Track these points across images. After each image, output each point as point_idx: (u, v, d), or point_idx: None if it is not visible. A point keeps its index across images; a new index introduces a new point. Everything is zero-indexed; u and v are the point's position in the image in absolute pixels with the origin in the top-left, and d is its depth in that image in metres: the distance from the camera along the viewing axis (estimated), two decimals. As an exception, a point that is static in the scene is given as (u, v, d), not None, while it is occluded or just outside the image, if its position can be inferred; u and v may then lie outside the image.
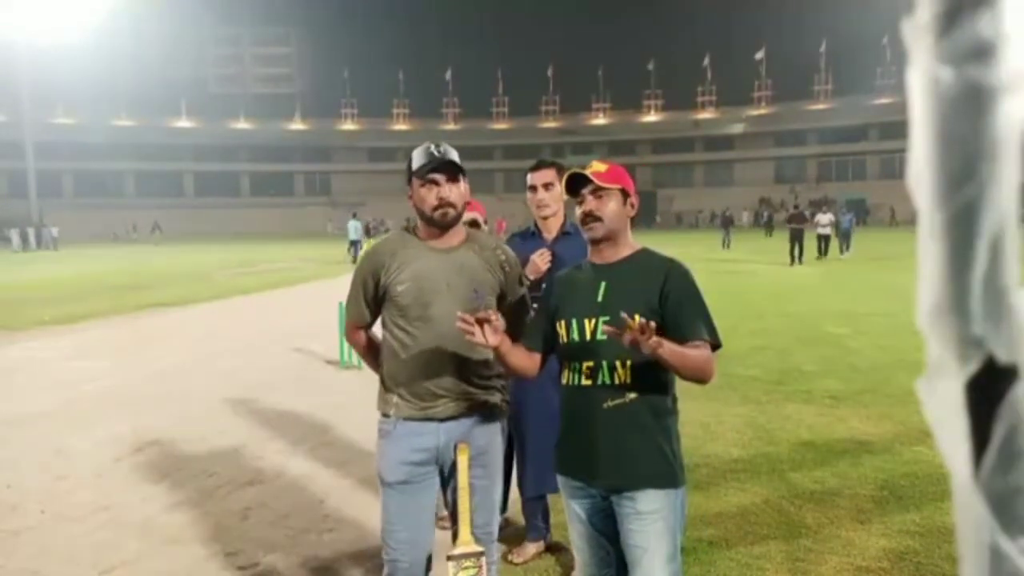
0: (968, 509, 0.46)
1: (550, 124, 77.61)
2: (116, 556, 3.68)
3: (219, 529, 4.00)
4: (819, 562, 3.36)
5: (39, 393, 7.13)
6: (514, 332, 2.34)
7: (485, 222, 3.87)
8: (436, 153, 2.41)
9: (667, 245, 2.44)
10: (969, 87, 0.43)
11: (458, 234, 2.52)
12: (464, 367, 2.45)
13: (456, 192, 2.43)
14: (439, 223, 2.44)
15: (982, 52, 0.43)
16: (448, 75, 77.17)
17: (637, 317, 1.93)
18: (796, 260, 20.42)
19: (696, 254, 23.75)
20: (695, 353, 2.05)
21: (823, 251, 22.10)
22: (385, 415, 2.51)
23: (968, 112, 0.44)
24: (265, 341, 9.76)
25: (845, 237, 22.76)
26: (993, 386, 0.45)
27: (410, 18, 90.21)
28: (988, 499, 0.45)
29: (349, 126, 77.02)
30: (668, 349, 1.94)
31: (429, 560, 2.54)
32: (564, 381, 2.26)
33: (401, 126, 77.23)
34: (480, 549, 2.44)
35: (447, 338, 2.40)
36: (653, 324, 1.90)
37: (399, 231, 2.61)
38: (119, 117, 69.67)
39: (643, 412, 2.13)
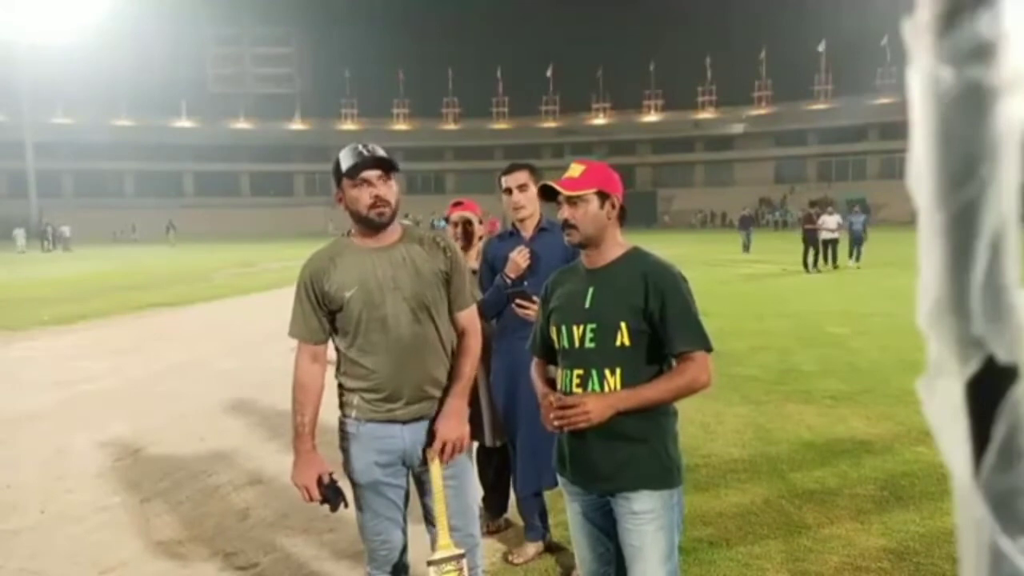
0: (968, 509, 0.46)
1: (550, 124, 77.57)
2: (116, 556, 3.69)
3: (219, 529, 4.01)
4: (819, 562, 3.36)
5: (39, 393, 7.13)
6: (462, 302, 2.54)
7: (480, 222, 3.86)
8: (365, 152, 2.38)
9: (673, 247, 2.42)
10: (969, 87, 0.43)
11: (395, 231, 2.50)
12: (421, 367, 2.44)
13: (390, 190, 2.41)
14: (375, 222, 2.40)
15: (982, 52, 0.43)
16: (448, 75, 77.20)
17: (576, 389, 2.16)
18: (811, 267, 18.52)
19: (710, 257, 23.70)
20: (666, 385, 2.12)
21: (830, 258, 19.18)
22: (346, 416, 2.51)
23: (968, 112, 0.44)
24: (265, 341, 9.75)
25: (857, 242, 19.72)
26: (993, 386, 0.45)
27: (410, 18, 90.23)
28: (988, 499, 0.45)
29: (349, 126, 76.95)
30: (625, 401, 2.08)
31: (405, 548, 2.61)
32: (559, 386, 2.27)
33: (401, 126, 77.22)
34: (460, 552, 2.46)
35: (402, 338, 2.40)
36: (575, 400, 2.09)
37: (334, 239, 2.59)
38: (119, 117, 69.62)
39: (635, 418, 2.12)
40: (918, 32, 0.45)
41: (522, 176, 3.43)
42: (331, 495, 2.44)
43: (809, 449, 4.94)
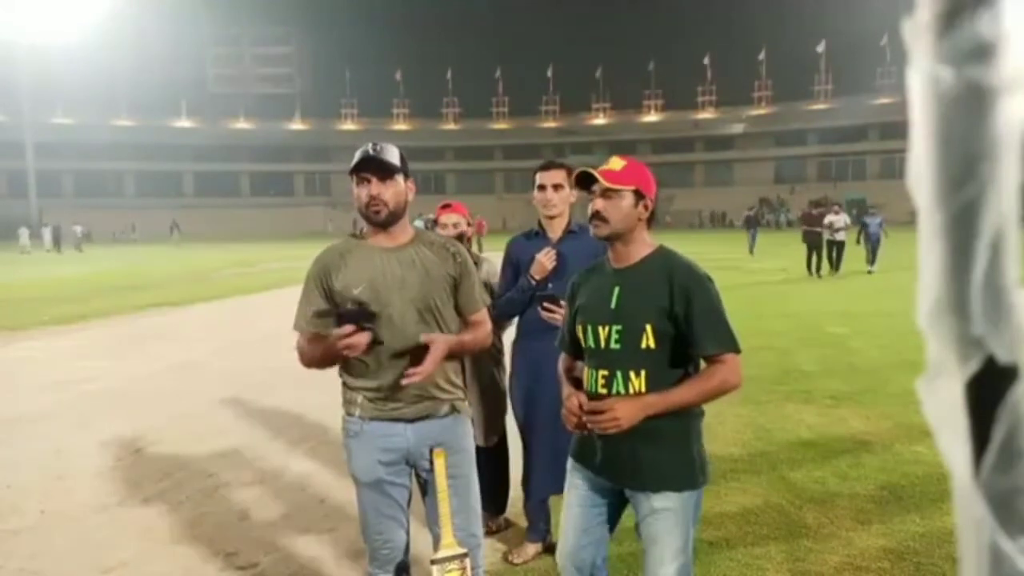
0: (968, 509, 0.46)
1: (550, 124, 77.61)
2: (116, 556, 3.68)
3: (219, 529, 4.00)
4: (819, 562, 3.36)
5: (39, 393, 7.13)
6: (472, 307, 2.53)
7: (469, 224, 3.83)
8: (371, 152, 2.41)
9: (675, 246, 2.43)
10: (969, 87, 0.43)
11: (406, 232, 2.52)
12: None
13: (391, 191, 2.42)
14: (372, 220, 2.44)
15: (982, 52, 0.43)
16: (448, 75, 77.20)
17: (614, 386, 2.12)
18: (815, 271, 17.47)
19: (710, 258, 23.63)
20: (697, 388, 2.12)
21: (836, 262, 17.69)
22: (350, 414, 2.51)
23: (968, 112, 0.44)
24: (265, 341, 9.75)
25: (874, 245, 18.25)
26: (993, 386, 0.45)
27: (410, 18, 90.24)
28: (988, 499, 0.45)
29: (349, 126, 76.98)
30: (655, 406, 2.07)
31: (407, 547, 2.61)
32: (585, 384, 2.25)
33: (401, 126, 77.22)
34: (463, 551, 2.47)
35: (407, 338, 2.40)
36: (608, 404, 2.07)
37: (347, 237, 2.61)
38: (119, 117, 69.71)
39: (667, 419, 2.11)
40: (918, 32, 0.45)
41: (559, 175, 3.39)
42: (355, 314, 2.29)
43: (809, 449, 4.94)
